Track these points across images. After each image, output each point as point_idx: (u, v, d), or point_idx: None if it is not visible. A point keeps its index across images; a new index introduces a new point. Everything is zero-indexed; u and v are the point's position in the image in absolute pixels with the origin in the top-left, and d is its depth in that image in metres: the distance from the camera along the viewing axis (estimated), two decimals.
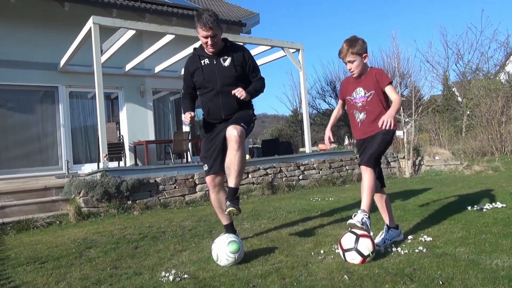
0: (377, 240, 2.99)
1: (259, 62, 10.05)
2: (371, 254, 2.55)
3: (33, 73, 8.55)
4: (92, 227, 4.65)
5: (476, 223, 3.40)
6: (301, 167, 7.80)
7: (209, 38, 3.02)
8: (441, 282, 2.12)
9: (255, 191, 6.88)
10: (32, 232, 4.65)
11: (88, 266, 2.92)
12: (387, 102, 2.96)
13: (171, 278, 2.47)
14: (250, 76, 3.25)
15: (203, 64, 3.16)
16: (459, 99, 18.61)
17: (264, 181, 7.08)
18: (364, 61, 2.95)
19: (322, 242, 3.14)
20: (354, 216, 2.73)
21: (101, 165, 7.00)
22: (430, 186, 6.31)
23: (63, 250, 3.51)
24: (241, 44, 3.28)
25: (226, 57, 3.15)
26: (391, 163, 9.23)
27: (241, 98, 3.05)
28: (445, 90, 19.54)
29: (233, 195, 2.94)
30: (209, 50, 3.12)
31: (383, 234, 3.05)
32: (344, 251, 2.59)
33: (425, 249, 2.74)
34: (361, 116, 2.99)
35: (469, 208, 4.10)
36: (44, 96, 8.95)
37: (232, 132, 2.92)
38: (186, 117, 3.14)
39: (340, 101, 3.30)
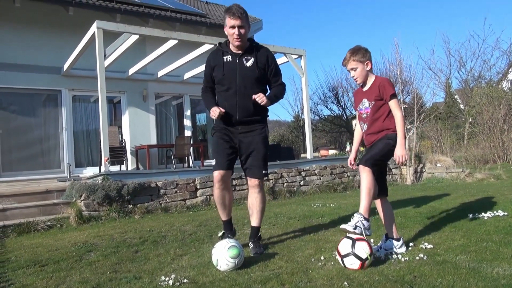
0: (373, 247, 2.93)
1: None
2: (369, 257, 2.54)
3: (37, 76, 8.60)
4: (93, 230, 4.66)
5: (477, 231, 3.39)
6: (302, 173, 7.80)
7: (236, 28, 2.99)
8: None
9: None
10: (33, 235, 4.66)
11: (88, 270, 2.92)
12: (387, 112, 2.89)
13: (170, 282, 2.46)
14: (271, 80, 3.22)
15: (225, 60, 3.13)
16: (461, 106, 18.60)
17: (266, 187, 7.08)
18: (367, 69, 2.94)
19: (322, 248, 3.13)
20: (351, 218, 2.72)
21: (102, 169, 7.02)
22: (432, 194, 6.30)
23: (63, 253, 3.51)
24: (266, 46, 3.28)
25: (249, 57, 3.12)
26: (392, 170, 9.21)
27: (262, 104, 3.04)
28: (447, 97, 19.54)
29: (256, 235, 3.17)
30: (234, 43, 3.08)
31: (380, 242, 3.04)
32: (342, 257, 2.58)
33: (425, 257, 2.73)
34: (365, 126, 3.00)
35: (470, 215, 4.08)
36: (47, 100, 9.00)
37: (255, 181, 3.14)
38: (214, 111, 3.05)
39: (358, 115, 3.18)
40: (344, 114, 19.55)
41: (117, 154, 8.67)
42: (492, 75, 18.54)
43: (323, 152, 13.68)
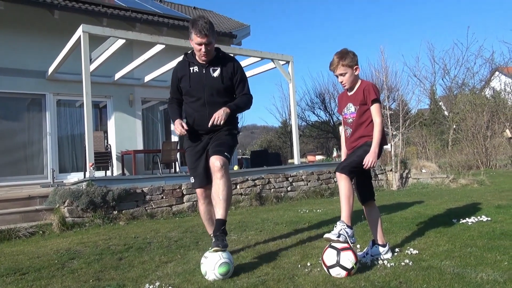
0: (359, 253, 2.96)
1: (249, 73, 10.10)
2: (354, 266, 2.54)
3: (21, 80, 8.45)
4: (76, 237, 4.56)
5: (461, 237, 3.43)
6: (289, 178, 7.80)
7: (203, 46, 2.97)
8: None
9: (243, 202, 6.85)
10: (14, 242, 4.54)
11: (70, 278, 2.85)
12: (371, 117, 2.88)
13: None
14: (236, 90, 3.17)
15: (191, 71, 3.11)
16: (446, 113, 18.92)
17: (252, 192, 7.06)
18: (355, 73, 2.92)
19: (309, 255, 3.12)
20: (334, 227, 2.70)
21: (87, 174, 6.90)
22: (417, 199, 6.36)
23: (45, 261, 3.42)
24: (232, 55, 3.24)
25: (216, 67, 3.10)
26: (378, 175, 9.29)
27: (221, 123, 2.95)
28: (432, 104, 19.86)
29: (219, 228, 2.83)
30: (201, 58, 3.07)
31: (366, 248, 3.04)
32: (327, 267, 2.57)
33: (411, 262, 2.75)
34: (349, 131, 2.97)
35: (455, 221, 4.13)
36: (31, 104, 8.84)
37: (215, 163, 2.88)
38: (177, 127, 3.04)
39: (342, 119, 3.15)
40: (331, 120, 19.69)
41: (102, 160, 8.56)
42: (476, 82, 18.94)
43: (310, 158, 13.75)
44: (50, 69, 8.38)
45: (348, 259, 2.53)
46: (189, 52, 3.24)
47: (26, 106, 8.79)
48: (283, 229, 4.37)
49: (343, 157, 3.15)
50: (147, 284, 2.54)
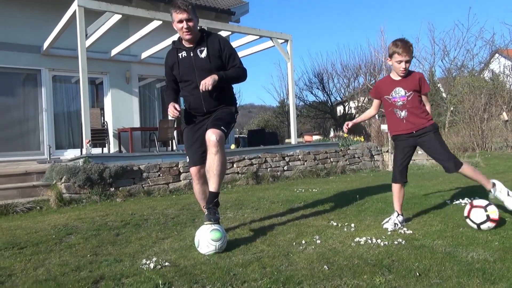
0: (387, 225, 3.22)
1: (247, 51, 9.99)
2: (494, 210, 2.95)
3: (15, 55, 8.33)
4: (74, 213, 4.60)
5: (454, 217, 3.48)
6: (286, 158, 7.83)
7: (184, 22, 2.94)
8: (418, 274, 2.17)
9: (240, 181, 6.89)
10: (12, 217, 4.57)
11: (67, 253, 2.89)
12: (423, 102, 3.27)
13: (152, 265, 2.46)
14: (228, 65, 3.10)
15: (180, 57, 3.11)
16: (444, 95, 18.87)
17: (249, 171, 7.10)
18: None
19: (304, 233, 3.17)
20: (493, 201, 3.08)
21: (84, 151, 6.90)
22: (412, 180, 6.41)
23: (42, 236, 3.46)
24: (229, 33, 3.23)
25: (202, 48, 3.07)
26: (374, 156, 9.34)
27: (208, 88, 2.89)
28: (431, 85, 19.76)
29: (212, 201, 2.87)
30: (185, 37, 3.03)
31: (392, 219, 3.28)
32: (478, 225, 2.99)
33: (404, 241, 2.80)
34: (402, 113, 3.21)
35: (448, 202, 4.19)
36: (26, 79, 8.74)
37: (211, 137, 2.86)
38: (170, 109, 3.04)
39: (376, 101, 3.48)
40: (329, 101, 19.60)
41: (99, 137, 8.54)
42: (475, 64, 18.79)
43: (307, 138, 13.77)
44: (45, 44, 8.25)
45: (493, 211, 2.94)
46: (176, 40, 3.24)
47: (21, 81, 8.70)
48: (279, 207, 4.42)
49: (354, 121, 3.67)
50: (144, 260, 2.58)
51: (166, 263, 2.50)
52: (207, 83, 2.91)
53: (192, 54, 3.08)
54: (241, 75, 3.16)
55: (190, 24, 2.97)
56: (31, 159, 8.01)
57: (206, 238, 2.67)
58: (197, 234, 2.75)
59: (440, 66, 20.45)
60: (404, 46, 3.08)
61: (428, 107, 3.28)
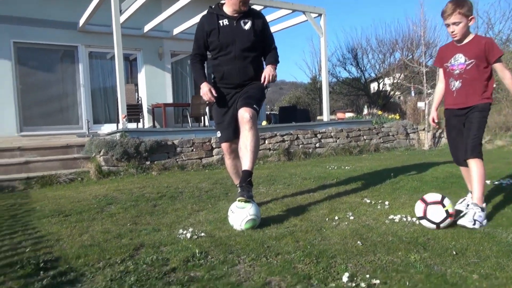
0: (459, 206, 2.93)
1: (279, 26, 9.83)
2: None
3: (53, 32, 8.57)
4: (112, 185, 4.80)
5: (494, 197, 3.37)
6: (318, 135, 7.77)
7: None
8: (454, 252, 2.13)
9: (271, 157, 6.93)
10: (55, 187, 4.83)
11: (109, 221, 3.04)
12: (486, 74, 2.76)
13: (188, 235, 2.55)
14: (266, 44, 3.17)
15: (221, 24, 3.04)
16: None
17: (281, 148, 7.11)
18: (470, 24, 2.75)
19: (336, 209, 3.17)
20: (464, 213, 2.60)
21: (120, 126, 7.12)
22: (449, 159, 6.18)
23: (85, 205, 3.64)
24: (261, 7, 3.22)
25: (247, 20, 3.05)
26: (410, 134, 9.10)
27: (273, 80, 3.03)
28: None
29: (246, 179, 2.84)
30: (241, 8, 2.99)
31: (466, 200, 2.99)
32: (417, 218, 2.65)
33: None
34: (456, 84, 2.83)
35: (488, 182, 4.05)
36: (64, 56, 9.02)
37: (244, 115, 2.87)
38: (206, 93, 3.03)
39: (441, 72, 3.02)
40: (363, 77, 19.07)
41: (133, 112, 8.75)
42: None
43: (339, 115, 13.55)
44: (81, 21, 8.43)
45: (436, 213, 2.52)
46: (213, 5, 3.16)
47: (60, 58, 8.98)
48: (311, 184, 4.42)
49: (433, 111, 3.15)
50: (180, 230, 2.67)
51: (202, 234, 2.58)
52: (273, 76, 3.02)
53: (235, 24, 3.04)
54: (278, 56, 3.24)
55: None
56: (71, 133, 8.35)
57: (240, 226, 2.65)
58: (231, 218, 2.71)
59: None
60: (448, 7, 2.72)
61: (508, 77, 2.72)
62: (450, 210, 2.53)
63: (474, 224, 2.53)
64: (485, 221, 2.69)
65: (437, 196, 2.59)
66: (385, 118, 9.57)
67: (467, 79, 2.77)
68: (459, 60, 2.80)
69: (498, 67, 2.74)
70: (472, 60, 2.74)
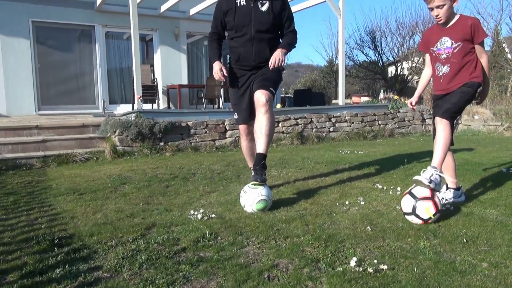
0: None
1: (297, 7, 9.65)
2: (432, 217, 2.38)
3: (71, 11, 8.60)
4: (127, 164, 4.88)
5: (509, 186, 3.31)
6: (332, 119, 7.70)
7: None
8: (465, 240, 2.12)
9: (284, 140, 6.91)
10: (71, 166, 4.94)
11: (122, 200, 3.10)
12: (474, 55, 2.66)
13: (199, 216, 2.59)
14: (284, 25, 3.11)
15: (238, 4, 3.02)
16: (509, 56, 17.36)
17: (294, 131, 7.08)
18: (454, 5, 2.64)
19: (348, 194, 3.16)
20: (423, 172, 2.50)
21: (135, 106, 7.18)
22: (466, 146, 6.11)
23: (99, 184, 3.72)
24: None
25: (264, 1, 3.00)
26: (426, 120, 8.94)
27: (282, 63, 2.96)
28: (494, 45, 18.20)
29: (259, 162, 2.86)
30: None
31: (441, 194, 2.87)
32: (404, 214, 2.48)
33: (452, 207, 2.72)
34: (443, 69, 2.73)
35: (504, 170, 3.97)
36: (81, 35, 9.07)
37: (260, 97, 2.87)
38: (217, 72, 3.03)
39: (427, 57, 2.91)
40: (381, 61, 18.70)
41: (149, 93, 8.80)
42: None
43: (355, 99, 13.38)
44: (99, 0, 8.43)
45: (425, 209, 2.38)
46: None
47: (77, 37, 9.03)
48: (323, 168, 4.41)
49: (415, 95, 3.05)
50: (192, 211, 2.72)
51: (213, 215, 2.62)
52: (280, 59, 2.95)
53: (252, 5, 3.01)
54: (295, 40, 3.18)
55: None
56: (87, 113, 8.46)
57: (252, 207, 2.67)
58: (243, 197, 2.73)
59: (508, 24, 18.69)
60: None
61: (484, 61, 2.67)
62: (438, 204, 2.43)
63: (430, 182, 2.43)
64: (463, 197, 2.85)
65: (424, 191, 2.44)
66: (402, 103, 9.40)
67: (455, 63, 2.67)
68: (446, 44, 2.70)
69: (478, 49, 2.66)
70: (459, 43, 2.64)
